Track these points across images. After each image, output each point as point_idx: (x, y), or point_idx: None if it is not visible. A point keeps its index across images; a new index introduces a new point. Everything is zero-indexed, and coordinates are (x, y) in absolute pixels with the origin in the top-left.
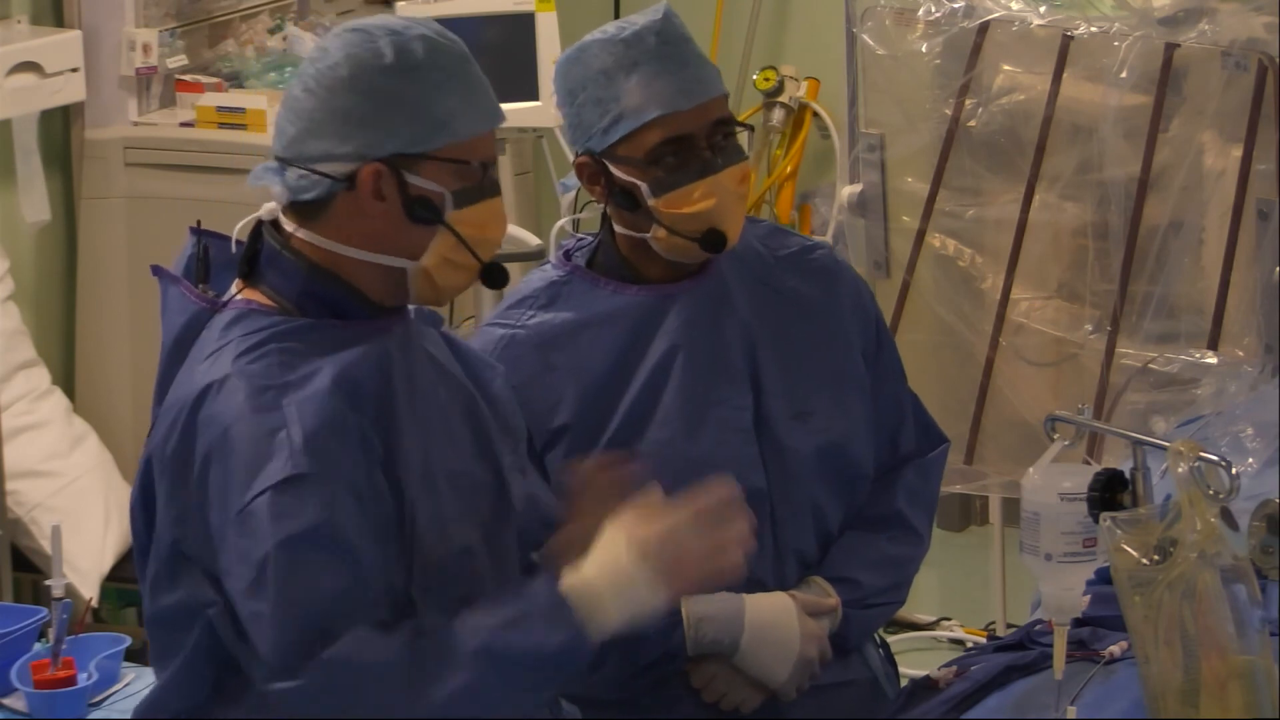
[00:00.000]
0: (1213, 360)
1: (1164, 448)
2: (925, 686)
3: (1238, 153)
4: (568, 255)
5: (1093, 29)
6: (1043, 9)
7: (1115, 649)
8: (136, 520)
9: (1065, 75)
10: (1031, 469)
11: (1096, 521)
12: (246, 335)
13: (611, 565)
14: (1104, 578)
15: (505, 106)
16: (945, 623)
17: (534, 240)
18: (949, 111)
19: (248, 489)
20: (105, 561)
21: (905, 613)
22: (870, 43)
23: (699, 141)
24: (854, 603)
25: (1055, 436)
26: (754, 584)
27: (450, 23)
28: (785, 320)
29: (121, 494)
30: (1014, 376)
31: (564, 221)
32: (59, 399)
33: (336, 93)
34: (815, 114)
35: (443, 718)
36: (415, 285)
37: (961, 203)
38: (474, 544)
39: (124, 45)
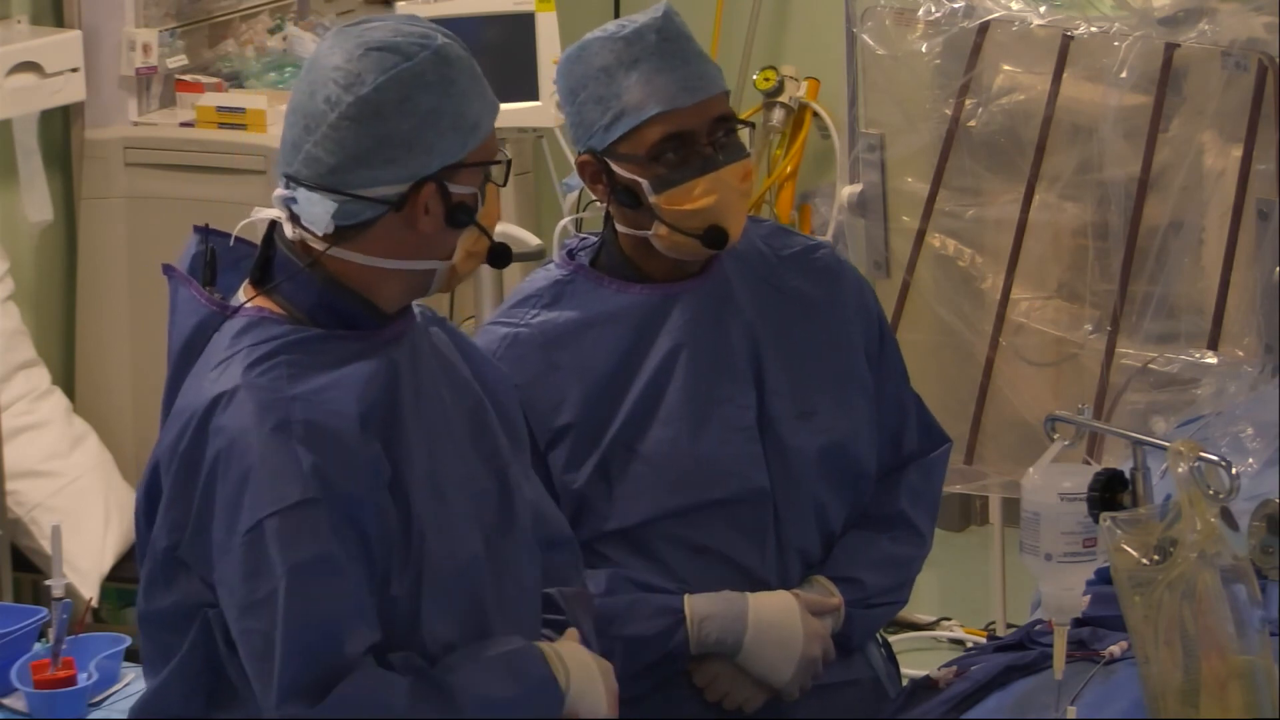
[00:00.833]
0: (1213, 360)
1: (1164, 448)
2: (925, 686)
3: (1238, 153)
4: (571, 254)
5: (1093, 29)
6: (1043, 9)
7: (1115, 649)
8: (140, 523)
9: (1065, 75)
10: (1031, 469)
11: (1096, 521)
12: (256, 345)
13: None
14: (1104, 578)
15: (505, 106)
16: (945, 623)
17: (534, 240)
18: (949, 111)
19: (256, 509)
20: (105, 561)
21: (905, 613)
22: (870, 43)
23: (700, 138)
24: (857, 602)
25: (1055, 436)
26: (757, 583)
27: (450, 22)
28: (788, 319)
29: (121, 494)
30: (1014, 376)
31: (566, 221)
32: (59, 399)
33: (383, 118)
34: (815, 114)
35: None
36: (440, 281)
37: (961, 203)
38: (478, 553)
39: (124, 45)
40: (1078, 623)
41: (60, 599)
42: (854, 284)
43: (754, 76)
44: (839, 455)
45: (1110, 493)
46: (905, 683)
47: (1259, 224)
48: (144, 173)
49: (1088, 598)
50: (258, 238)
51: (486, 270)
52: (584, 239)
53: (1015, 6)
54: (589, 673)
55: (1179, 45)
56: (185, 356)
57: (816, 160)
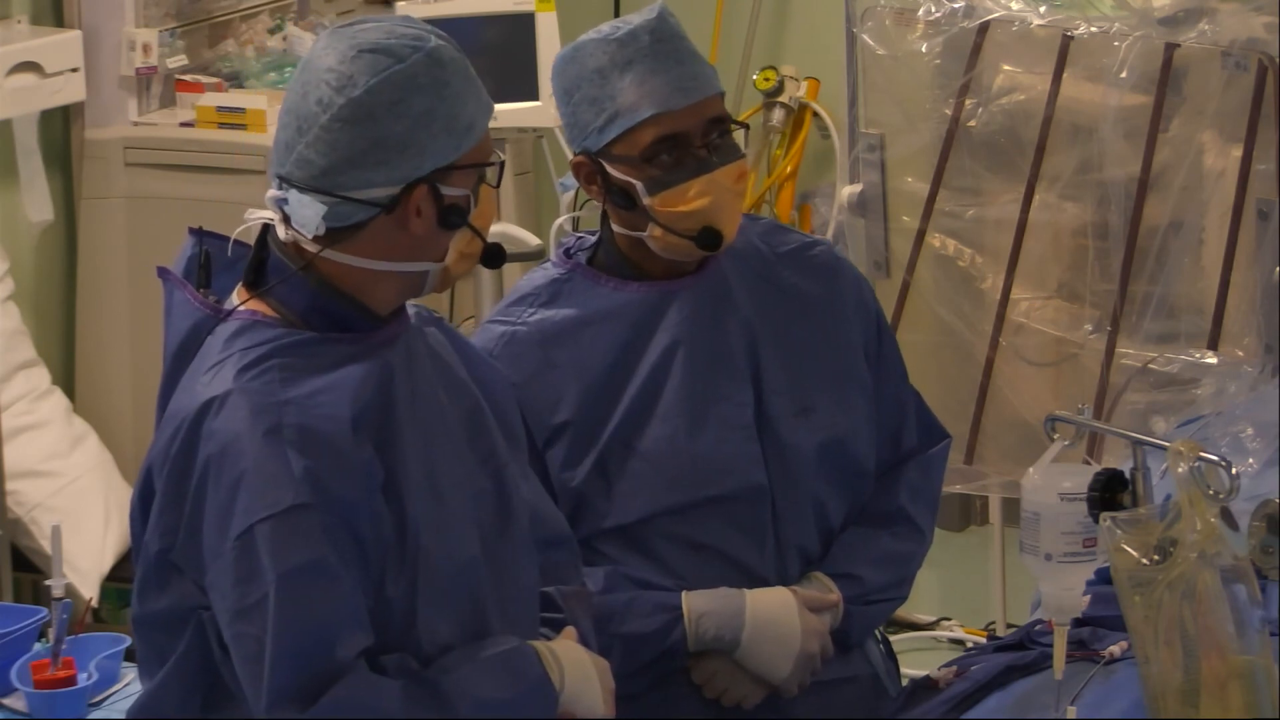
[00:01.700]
0: (1213, 360)
1: (1164, 448)
2: (925, 687)
3: (1238, 153)
4: (568, 253)
5: (1093, 29)
6: (1043, 9)
7: (1115, 649)
8: (135, 526)
9: (1065, 75)
10: (1031, 469)
11: (1096, 521)
12: (248, 349)
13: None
14: (1104, 578)
15: (505, 106)
16: (945, 623)
17: (534, 240)
18: (949, 111)
19: (249, 514)
20: (105, 561)
21: (905, 613)
22: (870, 43)
23: (694, 139)
24: (856, 599)
25: (1055, 436)
26: (756, 580)
27: (450, 22)
28: (786, 317)
29: (121, 494)
30: (1014, 376)
31: (563, 220)
32: (59, 399)
33: (375, 120)
34: (815, 114)
35: None
36: (433, 282)
37: (961, 203)
38: (475, 554)
39: (124, 45)
40: (1078, 623)
41: (60, 599)
42: (852, 281)
43: (754, 76)
44: (838, 452)
45: (1110, 493)
46: (905, 683)
47: (1259, 224)
48: (144, 173)
49: (1088, 598)
50: (254, 239)
51: (486, 270)
52: (581, 238)
53: (1015, 6)
54: (584, 671)
55: (1179, 45)
56: (179, 359)
57: (816, 160)
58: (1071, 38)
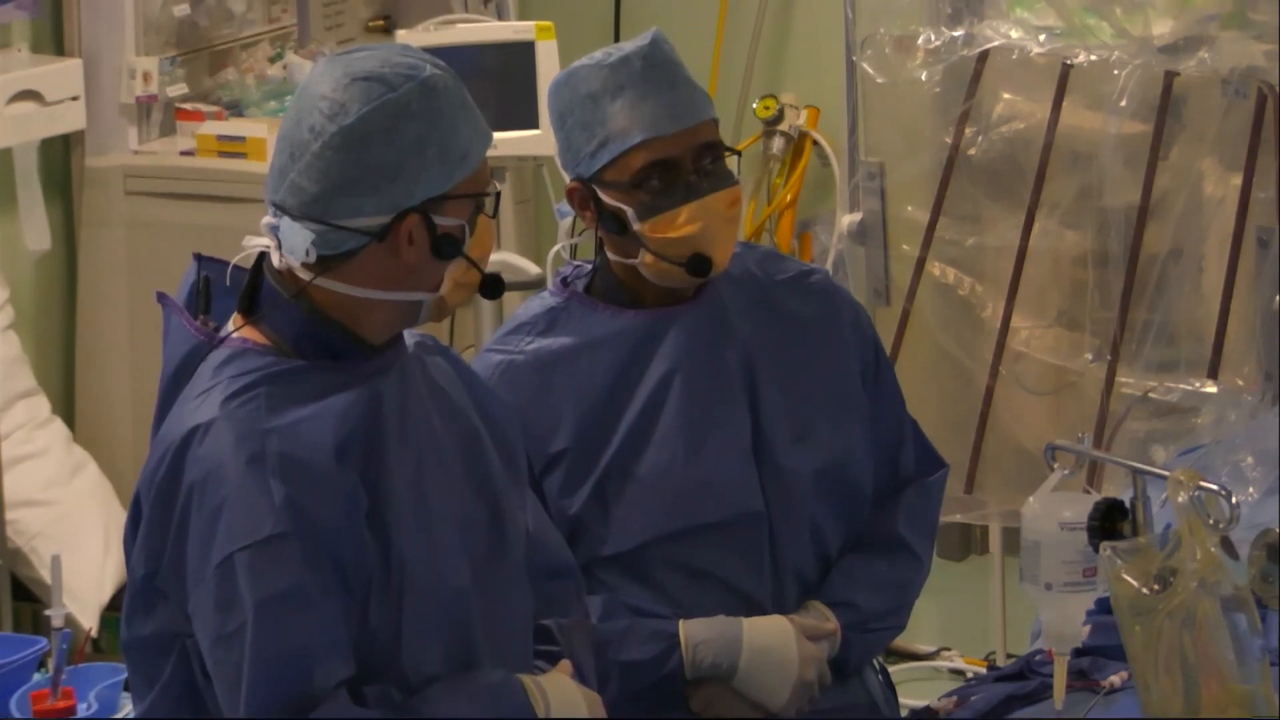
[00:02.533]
0: (1213, 389)
1: (1164, 476)
2: (926, 717)
3: (1237, 180)
4: (565, 282)
5: (1092, 57)
6: (1042, 37)
7: (1115, 679)
8: (128, 550)
9: (1065, 103)
10: (1032, 498)
11: (1096, 551)
12: (236, 377)
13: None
14: (1104, 608)
15: (505, 135)
16: (945, 653)
17: (534, 269)
18: (949, 139)
19: (228, 541)
20: (105, 591)
21: (905, 642)
22: (870, 71)
23: (685, 165)
24: (854, 626)
25: (1055, 465)
26: (753, 606)
27: (451, 51)
28: (783, 342)
29: (121, 523)
30: (1014, 404)
31: (559, 247)
32: (58, 427)
33: (366, 148)
34: (815, 142)
35: None
36: (428, 312)
37: (961, 230)
38: (465, 584)
39: (124, 73)
40: (1078, 652)
41: (60, 629)
42: (849, 308)
43: (753, 105)
44: (835, 477)
45: (1110, 522)
46: (905, 713)
47: (1259, 251)
48: (144, 201)
49: (1088, 627)
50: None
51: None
52: (579, 266)
53: (1015, 35)
54: (573, 703)
55: (1179, 73)
56: (174, 385)
57: (816, 188)
58: (1071, 65)
